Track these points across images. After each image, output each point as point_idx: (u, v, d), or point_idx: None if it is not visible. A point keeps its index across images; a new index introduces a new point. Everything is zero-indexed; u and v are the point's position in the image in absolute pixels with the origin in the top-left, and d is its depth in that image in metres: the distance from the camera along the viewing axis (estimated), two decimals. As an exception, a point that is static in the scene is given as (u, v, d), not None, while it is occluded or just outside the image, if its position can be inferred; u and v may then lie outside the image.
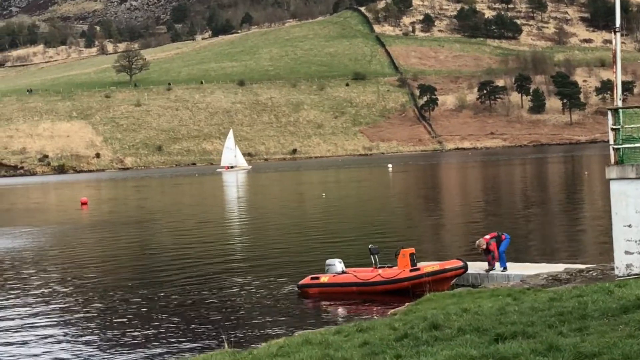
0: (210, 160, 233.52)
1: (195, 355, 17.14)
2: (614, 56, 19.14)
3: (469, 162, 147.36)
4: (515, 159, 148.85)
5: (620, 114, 18.69)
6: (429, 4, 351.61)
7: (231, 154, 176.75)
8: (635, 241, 18.17)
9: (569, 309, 12.73)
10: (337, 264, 28.24)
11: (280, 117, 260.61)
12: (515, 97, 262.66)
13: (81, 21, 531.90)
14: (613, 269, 22.70)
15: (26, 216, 69.01)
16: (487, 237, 26.87)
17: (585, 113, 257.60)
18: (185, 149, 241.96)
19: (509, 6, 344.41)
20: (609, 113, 18.99)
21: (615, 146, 18.70)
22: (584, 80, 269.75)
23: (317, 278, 27.75)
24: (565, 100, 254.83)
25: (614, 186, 18.43)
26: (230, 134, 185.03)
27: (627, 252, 18.27)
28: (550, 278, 21.77)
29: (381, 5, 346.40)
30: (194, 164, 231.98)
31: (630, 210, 18.18)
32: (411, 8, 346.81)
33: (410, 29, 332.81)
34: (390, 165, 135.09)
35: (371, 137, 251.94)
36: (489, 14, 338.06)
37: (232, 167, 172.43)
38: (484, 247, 26.55)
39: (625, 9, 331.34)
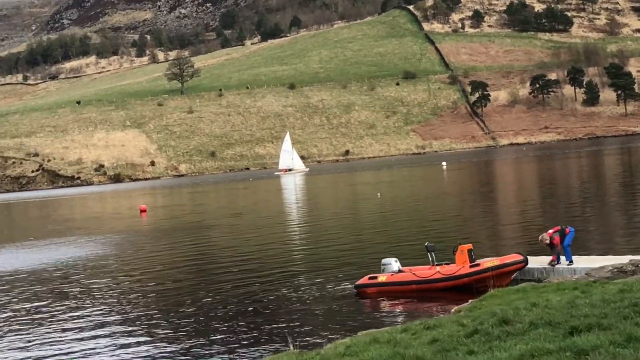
0: (263, 165, 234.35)
1: (262, 357, 17.08)
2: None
3: (524, 157, 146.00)
4: (571, 152, 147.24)
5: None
6: (478, 0, 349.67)
7: (289, 156, 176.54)
8: None
9: None
10: (393, 263, 28.08)
11: (331, 119, 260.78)
12: (568, 90, 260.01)
13: (132, 31, 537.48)
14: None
15: (89, 225, 69.68)
16: (550, 231, 26.50)
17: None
18: (239, 154, 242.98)
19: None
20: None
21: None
22: (638, 71, 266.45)
23: (375, 277, 27.59)
24: (619, 92, 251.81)
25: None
26: (287, 137, 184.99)
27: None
28: (616, 270, 21.35)
29: (429, 2, 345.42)
30: (247, 168, 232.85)
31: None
32: (460, 4, 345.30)
33: (459, 25, 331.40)
34: (444, 163, 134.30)
35: (424, 136, 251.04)
36: (538, 7, 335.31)
37: (290, 170, 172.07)
38: (548, 241, 26.19)
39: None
